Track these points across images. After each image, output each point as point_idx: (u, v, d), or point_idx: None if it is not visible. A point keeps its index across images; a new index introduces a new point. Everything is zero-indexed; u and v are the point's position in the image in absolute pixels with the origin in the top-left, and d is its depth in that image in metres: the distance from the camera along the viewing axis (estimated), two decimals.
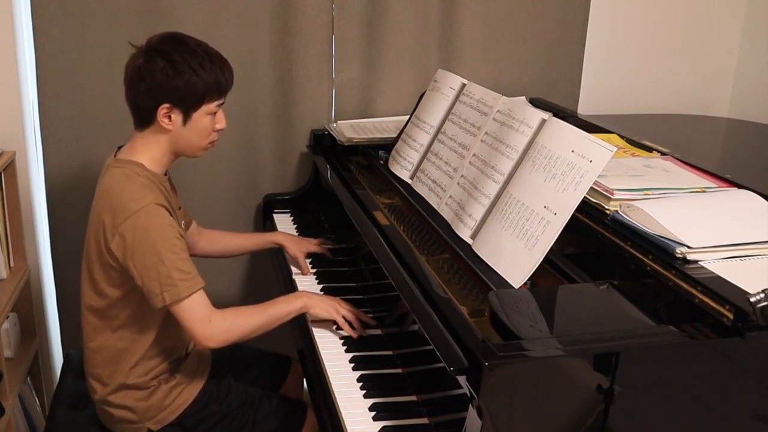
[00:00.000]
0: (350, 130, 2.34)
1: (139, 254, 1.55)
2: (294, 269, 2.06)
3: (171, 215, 1.62)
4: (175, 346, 1.76)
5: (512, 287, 1.40)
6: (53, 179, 2.30)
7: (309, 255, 2.09)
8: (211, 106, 1.64)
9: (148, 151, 1.66)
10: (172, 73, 1.57)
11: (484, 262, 1.50)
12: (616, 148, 1.38)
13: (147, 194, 1.59)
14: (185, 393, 1.74)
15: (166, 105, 1.60)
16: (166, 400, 1.72)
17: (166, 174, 1.72)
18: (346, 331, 1.69)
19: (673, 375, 1.21)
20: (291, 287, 1.99)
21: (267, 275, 2.41)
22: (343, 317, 1.71)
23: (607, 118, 2.27)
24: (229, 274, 2.51)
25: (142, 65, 1.59)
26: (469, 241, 1.59)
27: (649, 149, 1.88)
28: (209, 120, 1.66)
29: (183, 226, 1.81)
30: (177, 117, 1.62)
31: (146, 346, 1.69)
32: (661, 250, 1.36)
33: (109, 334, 1.69)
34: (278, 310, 1.68)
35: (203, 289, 1.60)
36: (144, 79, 1.59)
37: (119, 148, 1.72)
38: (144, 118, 1.64)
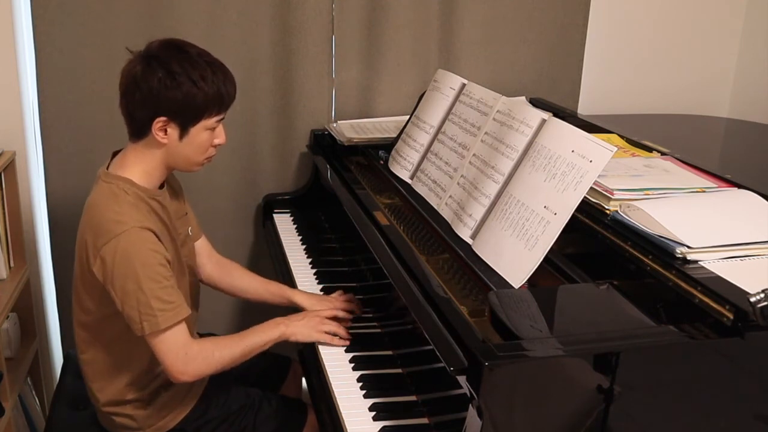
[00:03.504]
0: (350, 130, 2.34)
1: (119, 279, 1.48)
2: (294, 269, 2.05)
3: (159, 238, 1.54)
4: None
5: (512, 287, 1.40)
6: (53, 179, 2.30)
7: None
8: (211, 122, 1.55)
9: (140, 165, 1.57)
10: (170, 84, 1.49)
11: (484, 262, 1.50)
12: (616, 148, 1.38)
13: (133, 215, 1.51)
14: (185, 400, 1.72)
15: (162, 118, 1.51)
16: (166, 408, 1.69)
17: (162, 186, 1.63)
18: (336, 344, 1.66)
19: (673, 375, 1.21)
20: (290, 280, 1.99)
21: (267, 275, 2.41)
22: (327, 332, 1.67)
23: (607, 118, 2.27)
24: None
25: (139, 73, 1.50)
26: (469, 241, 1.59)
27: (649, 149, 1.88)
28: (207, 135, 1.57)
29: (189, 232, 1.77)
30: (173, 131, 1.53)
31: (142, 364, 1.64)
32: (661, 250, 1.36)
33: (100, 348, 1.64)
34: (256, 340, 1.63)
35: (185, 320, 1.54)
36: (140, 88, 1.50)
37: (114, 154, 1.65)
38: (138, 129, 1.55)
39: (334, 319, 1.73)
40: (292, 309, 1.83)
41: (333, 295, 1.86)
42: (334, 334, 1.68)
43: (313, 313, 1.74)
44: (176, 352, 1.53)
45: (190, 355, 1.54)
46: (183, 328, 1.54)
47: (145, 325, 1.50)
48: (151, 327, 1.50)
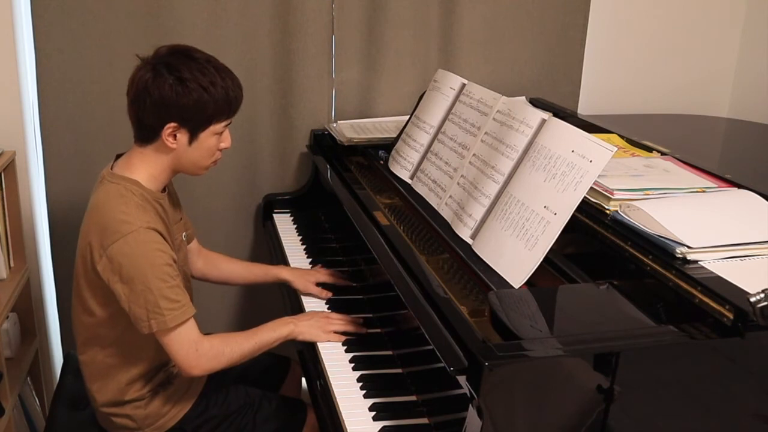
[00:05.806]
0: (350, 130, 2.34)
1: (126, 279, 1.50)
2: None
3: (164, 238, 1.56)
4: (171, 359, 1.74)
5: (512, 287, 1.40)
6: (53, 179, 2.30)
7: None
8: (219, 126, 1.58)
9: (147, 168, 1.59)
10: (181, 91, 1.51)
11: (484, 262, 1.50)
12: (616, 148, 1.38)
13: (140, 215, 1.53)
14: (184, 399, 1.73)
15: (172, 124, 1.53)
16: (165, 407, 1.70)
17: (164, 190, 1.65)
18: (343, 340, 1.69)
19: (673, 375, 1.21)
20: (292, 291, 1.99)
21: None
22: (335, 331, 1.70)
23: (607, 118, 2.27)
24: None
25: (150, 80, 1.51)
26: (469, 241, 1.59)
27: (649, 149, 1.88)
28: (215, 140, 1.60)
29: (184, 238, 1.78)
30: (183, 136, 1.56)
31: (140, 366, 1.65)
32: (661, 250, 1.36)
33: (99, 350, 1.65)
34: (264, 337, 1.66)
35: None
36: (151, 94, 1.51)
37: (118, 156, 1.66)
38: (147, 135, 1.57)
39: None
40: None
41: (315, 268, 2.01)
42: (343, 333, 1.70)
43: (322, 313, 1.77)
44: (187, 349, 1.55)
45: (200, 351, 1.56)
46: (192, 325, 1.57)
47: (153, 324, 1.51)
48: (159, 326, 1.51)
